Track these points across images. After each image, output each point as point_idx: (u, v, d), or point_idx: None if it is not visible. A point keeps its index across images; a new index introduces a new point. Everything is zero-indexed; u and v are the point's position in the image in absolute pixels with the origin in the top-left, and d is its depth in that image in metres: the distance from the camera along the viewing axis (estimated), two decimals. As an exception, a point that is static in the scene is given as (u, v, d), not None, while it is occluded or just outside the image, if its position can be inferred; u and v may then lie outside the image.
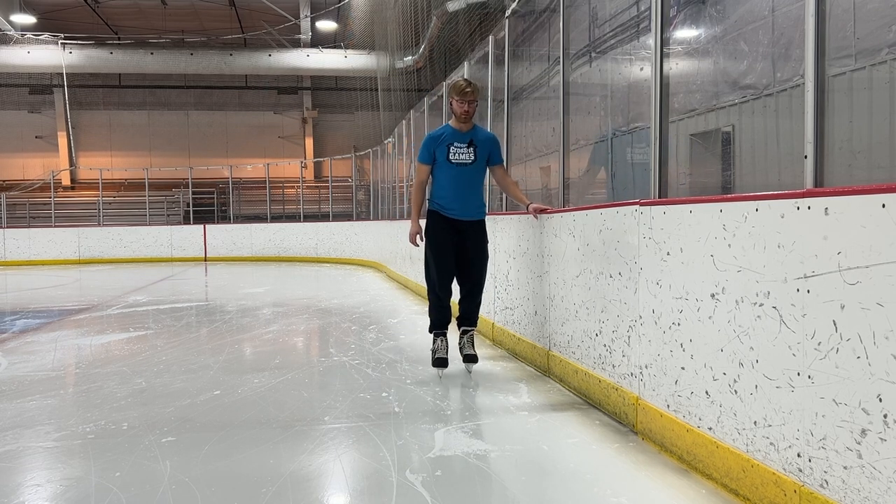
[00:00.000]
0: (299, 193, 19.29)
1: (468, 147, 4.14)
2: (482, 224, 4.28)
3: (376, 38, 18.28)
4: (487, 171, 4.35)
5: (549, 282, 4.14)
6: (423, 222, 4.31)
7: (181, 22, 21.35)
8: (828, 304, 1.92)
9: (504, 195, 6.09)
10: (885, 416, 1.74)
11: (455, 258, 4.22)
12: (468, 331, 4.29)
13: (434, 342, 4.29)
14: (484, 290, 4.34)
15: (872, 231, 1.77)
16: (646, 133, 3.11)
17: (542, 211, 4.19)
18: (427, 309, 4.43)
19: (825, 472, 1.94)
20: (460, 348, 4.30)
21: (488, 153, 4.22)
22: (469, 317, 4.29)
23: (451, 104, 4.16)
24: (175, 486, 2.52)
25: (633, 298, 3.06)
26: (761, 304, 2.20)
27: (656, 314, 2.85)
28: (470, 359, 4.24)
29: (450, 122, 4.22)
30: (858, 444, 1.82)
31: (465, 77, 4.21)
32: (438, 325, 4.30)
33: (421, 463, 2.73)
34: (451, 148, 4.13)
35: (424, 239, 4.28)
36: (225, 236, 17.96)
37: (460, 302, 4.30)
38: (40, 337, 5.98)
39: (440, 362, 4.18)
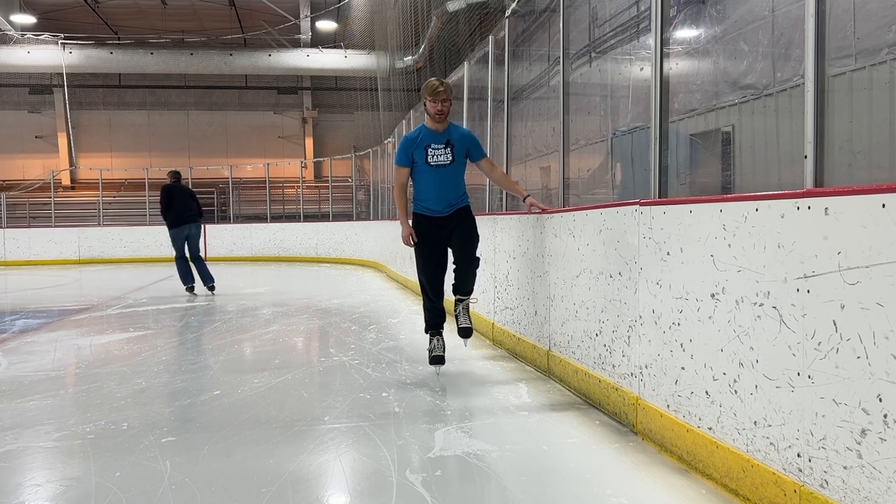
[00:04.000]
0: (299, 193, 19.27)
1: (445, 148, 4.11)
2: (467, 209, 4.26)
3: (376, 38, 18.28)
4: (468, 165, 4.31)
5: (549, 282, 4.14)
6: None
7: (181, 22, 21.34)
8: (828, 304, 1.92)
9: (504, 193, 6.08)
10: (885, 416, 1.74)
11: (444, 255, 4.24)
12: (463, 299, 4.29)
13: (430, 342, 4.30)
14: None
15: (872, 231, 1.77)
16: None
17: (541, 210, 4.19)
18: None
19: (825, 472, 1.94)
20: (456, 317, 4.29)
21: (466, 150, 4.20)
22: (463, 285, 4.27)
23: (424, 104, 4.13)
24: (175, 486, 2.52)
25: (633, 298, 3.06)
26: (761, 304, 2.20)
27: (656, 314, 2.85)
28: (465, 332, 4.24)
29: (425, 123, 4.18)
30: (858, 444, 1.82)
31: (438, 78, 4.20)
32: (433, 326, 4.31)
33: (421, 463, 2.73)
34: (429, 150, 4.10)
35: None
36: (225, 236, 17.95)
37: (454, 272, 4.28)
38: (40, 337, 5.98)
39: (437, 360, 4.20)
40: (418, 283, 4.38)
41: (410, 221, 4.26)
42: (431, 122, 4.14)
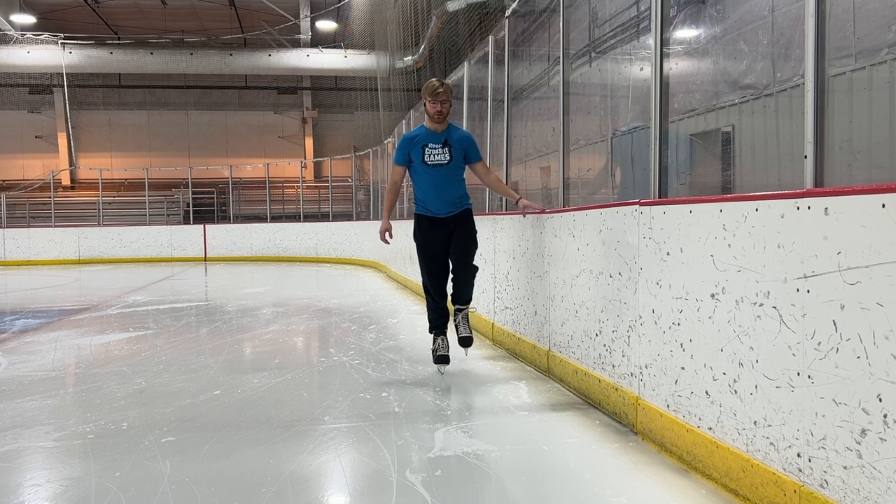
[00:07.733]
0: (299, 193, 19.28)
1: (443, 147, 4.14)
2: (467, 212, 4.28)
3: (376, 38, 18.28)
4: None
5: (549, 282, 4.14)
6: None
7: (181, 22, 21.34)
8: (828, 304, 1.92)
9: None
10: (885, 416, 1.74)
11: (446, 255, 4.25)
12: (462, 308, 4.30)
13: (434, 342, 4.31)
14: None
15: (872, 231, 1.77)
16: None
17: (532, 211, 4.21)
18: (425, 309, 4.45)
19: (825, 472, 1.94)
20: (456, 327, 4.30)
21: (464, 151, 4.21)
22: (462, 294, 4.29)
23: (424, 105, 4.16)
24: (175, 486, 2.52)
25: (632, 298, 3.06)
26: (761, 304, 2.20)
27: (656, 314, 2.85)
28: (465, 342, 4.24)
29: (424, 123, 4.22)
30: (858, 444, 1.82)
31: (439, 79, 4.22)
32: (437, 326, 4.33)
33: (421, 463, 2.73)
34: (426, 149, 4.13)
35: (413, 242, 4.31)
36: (225, 236, 17.96)
37: (453, 281, 4.31)
38: (40, 337, 5.98)
39: (442, 359, 4.21)
40: (421, 283, 4.40)
41: (413, 221, 4.30)
42: (430, 123, 4.17)
